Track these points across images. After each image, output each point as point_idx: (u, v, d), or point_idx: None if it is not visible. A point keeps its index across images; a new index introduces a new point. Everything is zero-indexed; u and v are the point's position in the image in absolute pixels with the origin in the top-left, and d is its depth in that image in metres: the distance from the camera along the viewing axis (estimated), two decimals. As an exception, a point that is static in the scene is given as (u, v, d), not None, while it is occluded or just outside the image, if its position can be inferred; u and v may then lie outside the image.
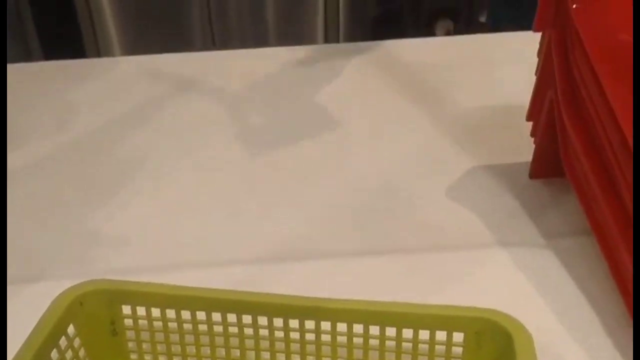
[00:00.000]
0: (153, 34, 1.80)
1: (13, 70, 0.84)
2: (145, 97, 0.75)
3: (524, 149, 0.58)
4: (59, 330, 0.38)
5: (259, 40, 1.81)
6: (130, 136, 0.68)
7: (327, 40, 1.81)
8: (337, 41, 1.81)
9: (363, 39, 1.81)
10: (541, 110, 0.54)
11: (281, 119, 0.70)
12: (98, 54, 1.73)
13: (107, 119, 0.71)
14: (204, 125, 0.70)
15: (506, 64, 0.78)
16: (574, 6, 0.49)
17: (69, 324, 0.39)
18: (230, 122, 0.70)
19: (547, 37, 0.52)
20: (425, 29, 1.79)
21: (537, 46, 0.54)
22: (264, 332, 0.39)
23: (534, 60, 0.54)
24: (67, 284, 0.39)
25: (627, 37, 0.47)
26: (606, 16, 0.48)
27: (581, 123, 0.49)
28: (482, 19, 1.80)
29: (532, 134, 0.57)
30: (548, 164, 0.56)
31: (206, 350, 0.41)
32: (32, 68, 0.88)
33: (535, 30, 0.53)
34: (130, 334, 0.41)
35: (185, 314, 0.40)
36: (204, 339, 0.40)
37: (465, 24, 1.81)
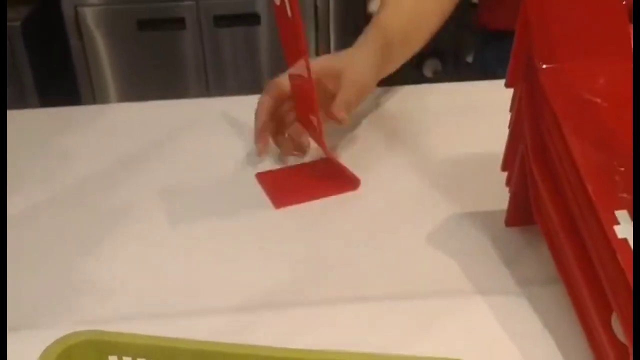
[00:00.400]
0: (148, 81, 1.84)
1: (8, 117, 0.86)
2: (138, 144, 0.78)
3: (501, 197, 0.60)
4: (48, 381, 0.39)
5: (253, 87, 1.85)
6: (120, 185, 0.70)
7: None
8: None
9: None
10: (514, 161, 0.57)
11: (265, 166, 0.72)
12: (94, 100, 1.77)
13: (100, 167, 0.74)
14: (194, 173, 0.72)
15: (487, 112, 0.81)
16: (543, 66, 0.52)
17: (58, 376, 0.40)
18: (216, 169, 0.72)
19: (519, 93, 0.55)
20: (414, 69, 1.84)
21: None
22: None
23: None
24: (53, 333, 0.41)
25: (590, 96, 0.50)
26: (572, 75, 0.51)
27: (549, 176, 0.51)
28: (469, 59, 1.85)
29: (507, 183, 0.60)
30: (523, 212, 0.58)
31: (190, 400, 0.42)
32: (27, 115, 0.91)
33: (507, 86, 0.56)
34: (116, 383, 0.43)
35: (170, 364, 0.41)
36: (188, 389, 0.42)
37: (453, 64, 1.86)
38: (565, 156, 0.48)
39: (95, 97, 1.81)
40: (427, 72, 1.84)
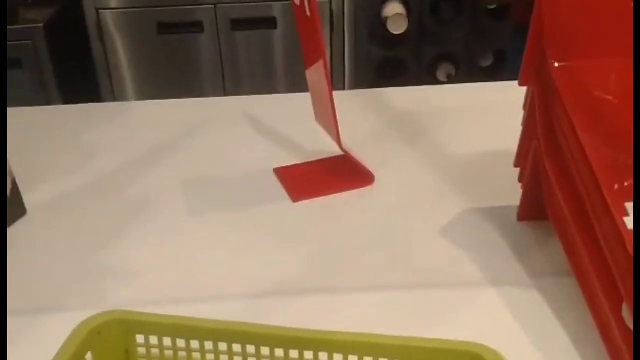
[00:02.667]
0: (166, 83, 1.87)
1: (33, 113, 0.89)
2: (157, 140, 0.80)
3: (513, 193, 0.62)
4: (78, 357, 0.41)
5: (267, 87, 1.88)
6: (142, 177, 0.73)
7: (333, 85, 1.87)
8: (343, 86, 1.88)
9: (368, 85, 1.88)
10: (527, 157, 0.58)
11: (283, 161, 0.74)
12: (113, 100, 1.80)
13: (122, 160, 0.76)
14: (211, 166, 0.74)
15: (498, 111, 0.83)
16: (555, 64, 0.53)
17: (87, 352, 0.42)
18: (235, 163, 0.74)
19: (531, 91, 0.57)
20: (427, 73, 1.85)
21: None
22: (265, 361, 0.43)
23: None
24: (82, 315, 0.43)
25: (602, 93, 0.51)
26: (584, 73, 0.52)
27: (561, 171, 0.53)
28: (482, 63, 1.86)
29: (520, 179, 0.61)
30: (534, 207, 0.60)
31: (212, 378, 0.44)
32: (51, 111, 0.93)
33: (520, 84, 0.57)
34: (142, 361, 0.45)
35: (194, 344, 0.43)
36: (211, 367, 0.44)
37: (466, 68, 1.87)
38: (577, 151, 0.49)
39: (115, 97, 1.85)
40: (441, 76, 1.86)
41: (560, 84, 0.52)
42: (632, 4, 0.50)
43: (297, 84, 1.99)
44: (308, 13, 0.63)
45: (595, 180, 0.46)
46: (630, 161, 0.46)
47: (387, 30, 1.74)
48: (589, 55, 0.52)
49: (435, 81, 1.86)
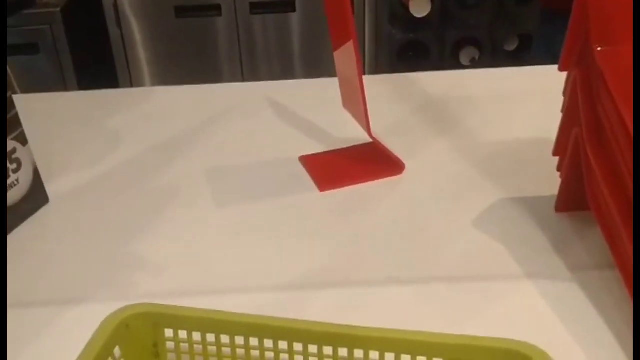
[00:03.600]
0: (183, 67, 1.86)
1: (51, 98, 0.88)
2: (179, 127, 0.79)
3: (551, 183, 0.60)
4: (106, 351, 0.40)
5: (286, 72, 1.85)
6: (166, 166, 0.71)
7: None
8: (364, 70, 1.85)
9: (389, 68, 1.85)
10: (567, 146, 0.56)
11: (309, 150, 0.72)
12: (131, 85, 1.79)
13: (144, 148, 0.75)
14: (236, 155, 0.72)
15: (531, 98, 0.80)
16: (599, 48, 0.50)
17: (116, 346, 0.41)
18: (260, 152, 0.73)
19: (573, 77, 0.54)
20: (451, 57, 1.82)
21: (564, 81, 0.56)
22: (299, 358, 0.41)
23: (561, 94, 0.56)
24: (109, 307, 0.42)
25: (650, 78, 0.48)
26: (628, 58, 0.50)
27: (605, 159, 0.50)
28: (507, 47, 1.82)
29: (559, 169, 0.59)
30: (574, 198, 0.57)
31: (243, 374, 0.42)
32: (71, 98, 0.92)
33: (561, 70, 0.55)
34: (171, 356, 0.43)
35: (225, 339, 0.42)
36: (242, 363, 0.42)
37: (490, 53, 1.83)
38: (624, 139, 0.47)
39: (132, 82, 1.84)
40: (464, 60, 1.82)
41: (606, 69, 0.49)
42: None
43: (316, 69, 1.96)
44: (338, -5, 0.61)
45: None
46: (683, 151, 0.44)
47: (409, 13, 1.71)
48: (634, 39, 0.50)
49: (458, 65, 1.83)
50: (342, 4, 0.61)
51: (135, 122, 0.80)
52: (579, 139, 0.53)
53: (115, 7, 1.77)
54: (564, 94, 0.56)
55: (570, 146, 0.55)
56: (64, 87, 1.70)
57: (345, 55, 0.65)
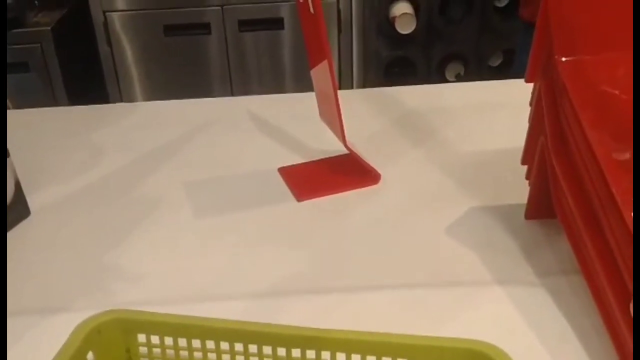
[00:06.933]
0: (173, 85, 1.88)
1: (39, 114, 0.89)
2: (162, 140, 0.80)
3: (522, 191, 0.61)
4: (79, 357, 0.41)
5: (275, 87, 1.87)
6: (146, 178, 0.72)
7: (341, 85, 1.86)
8: (351, 87, 1.87)
9: (377, 84, 1.87)
10: (534, 154, 0.58)
11: (288, 161, 0.73)
12: (121, 101, 1.81)
13: (126, 161, 0.76)
14: (216, 167, 0.74)
15: (504, 109, 0.82)
16: (562, 59, 0.52)
17: (88, 351, 0.42)
18: (240, 164, 0.74)
19: (538, 88, 0.56)
20: (437, 73, 1.84)
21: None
22: (267, 361, 0.42)
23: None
24: (86, 315, 0.43)
25: (610, 88, 0.50)
26: (590, 68, 0.52)
27: (569, 168, 0.52)
28: (491, 63, 1.85)
29: (527, 177, 0.60)
30: (542, 206, 0.59)
31: (214, 378, 0.43)
32: (57, 112, 0.93)
33: (527, 81, 0.56)
34: (144, 361, 0.44)
35: (196, 343, 0.43)
36: (213, 367, 0.43)
37: (475, 68, 1.86)
38: (585, 148, 0.48)
39: (123, 99, 1.85)
40: (450, 76, 1.85)
41: (568, 80, 0.51)
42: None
43: (306, 84, 1.98)
44: (312, 10, 0.63)
45: (604, 178, 0.45)
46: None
47: (395, 30, 1.74)
48: (596, 50, 0.52)
49: (444, 80, 1.85)
50: (317, 27, 0.63)
51: (119, 135, 0.82)
52: (545, 148, 0.55)
53: (106, 25, 1.79)
54: (531, 104, 0.58)
55: (537, 155, 0.57)
56: (55, 106, 1.71)
57: (321, 73, 0.67)
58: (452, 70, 1.84)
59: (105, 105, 0.93)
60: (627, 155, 0.46)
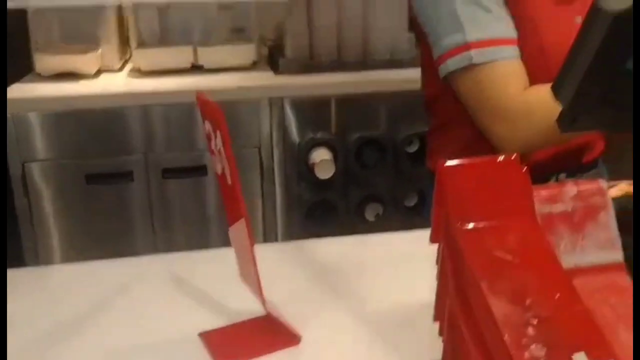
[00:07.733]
0: (95, 235, 1.85)
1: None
2: (83, 306, 0.78)
3: (435, 347, 0.63)
4: None
5: (200, 237, 1.88)
6: (65, 348, 0.69)
7: (265, 230, 1.90)
8: (275, 231, 1.91)
9: (300, 227, 1.91)
10: (444, 312, 0.60)
11: (212, 323, 0.73)
12: (37, 257, 1.75)
13: (43, 331, 0.73)
14: (139, 334, 0.72)
15: (423, 261, 0.86)
16: (458, 225, 0.57)
17: None
18: (159, 330, 0.73)
19: (442, 249, 0.60)
20: (356, 214, 1.92)
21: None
22: None
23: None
24: None
25: (503, 254, 0.55)
26: (484, 235, 0.56)
27: (474, 328, 0.54)
28: (407, 203, 1.95)
29: (440, 333, 0.63)
30: (457, 363, 0.61)
31: None
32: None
33: (432, 242, 0.61)
34: None
35: None
36: None
37: (393, 208, 1.95)
38: (485, 312, 0.51)
39: (39, 253, 1.80)
40: (369, 216, 1.93)
41: (465, 245, 0.55)
42: (523, 170, 0.56)
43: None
44: (229, 182, 0.67)
45: (502, 342, 0.48)
46: (535, 319, 0.49)
47: (315, 175, 1.82)
48: (488, 217, 0.57)
49: (364, 221, 1.93)
50: (233, 187, 0.66)
51: (33, 303, 0.79)
52: (452, 309, 0.58)
53: (23, 177, 1.77)
54: (437, 263, 0.61)
55: (446, 314, 0.59)
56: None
57: (239, 231, 0.69)
58: (371, 211, 1.93)
59: (19, 270, 0.90)
60: (521, 317, 0.50)
